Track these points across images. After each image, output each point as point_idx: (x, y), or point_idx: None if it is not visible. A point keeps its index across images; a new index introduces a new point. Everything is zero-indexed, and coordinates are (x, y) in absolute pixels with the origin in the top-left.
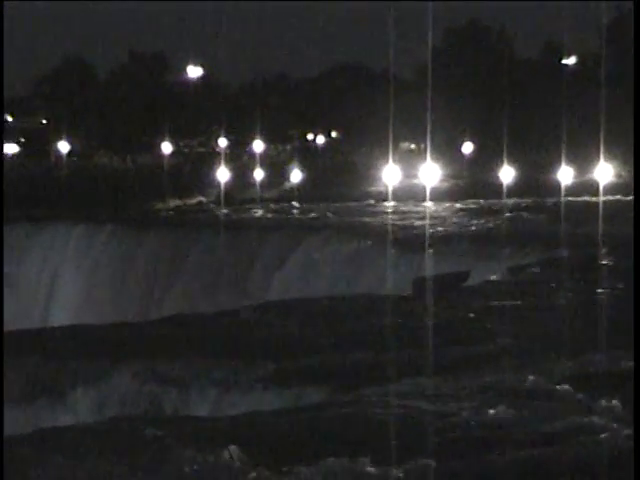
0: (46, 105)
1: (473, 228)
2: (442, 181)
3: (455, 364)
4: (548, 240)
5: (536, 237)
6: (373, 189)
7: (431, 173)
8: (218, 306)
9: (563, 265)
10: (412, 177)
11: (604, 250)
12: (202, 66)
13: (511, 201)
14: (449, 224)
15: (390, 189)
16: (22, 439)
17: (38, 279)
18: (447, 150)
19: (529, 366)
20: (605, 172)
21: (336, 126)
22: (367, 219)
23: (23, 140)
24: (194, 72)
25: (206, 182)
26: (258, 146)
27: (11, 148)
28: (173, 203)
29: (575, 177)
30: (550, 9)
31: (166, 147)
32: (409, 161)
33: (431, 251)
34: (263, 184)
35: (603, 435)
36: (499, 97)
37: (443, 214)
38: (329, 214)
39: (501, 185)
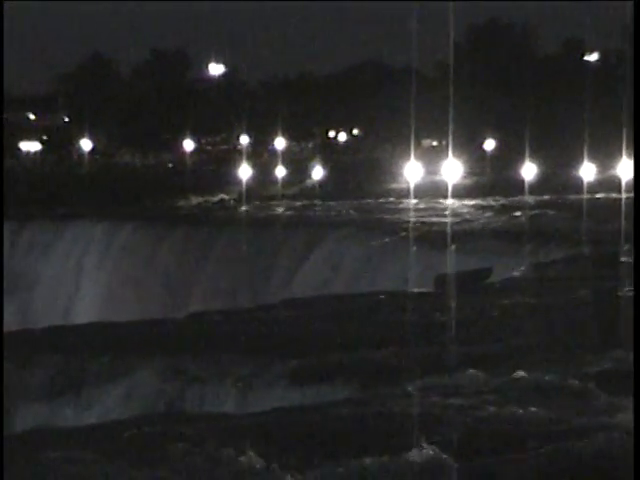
0: (68, 103)
1: (495, 225)
2: (464, 178)
3: (478, 361)
4: (571, 237)
5: (558, 234)
6: (395, 186)
7: (453, 170)
8: (240, 303)
9: (586, 262)
10: (434, 174)
11: (626, 247)
12: (224, 63)
13: (533, 198)
14: (471, 221)
15: (412, 186)
16: (45, 435)
17: (61, 277)
18: (469, 147)
19: (553, 363)
20: (627, 169)
21: (358, 123)
22: (389, 216)
23: (45, 138)
24: (216, 69)
25: (228, 179)
26: (280, 143)
27: (33, 146)
28: (195, 200)
29: (597, 174)
30: (571, 6)
31: (188, 145)
32: (431, 158)
33: (453, 248)
34: (285, 181)
35: (627, 433)
36: (520, 94)
37: (465, 211)
38: (351, 211)
39: (523, 182)
